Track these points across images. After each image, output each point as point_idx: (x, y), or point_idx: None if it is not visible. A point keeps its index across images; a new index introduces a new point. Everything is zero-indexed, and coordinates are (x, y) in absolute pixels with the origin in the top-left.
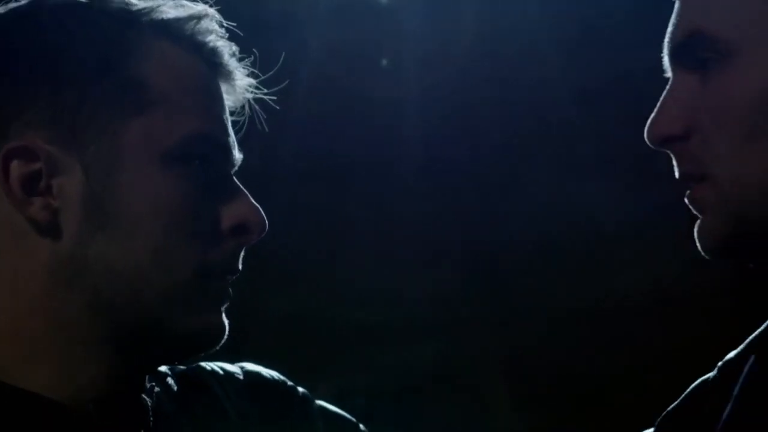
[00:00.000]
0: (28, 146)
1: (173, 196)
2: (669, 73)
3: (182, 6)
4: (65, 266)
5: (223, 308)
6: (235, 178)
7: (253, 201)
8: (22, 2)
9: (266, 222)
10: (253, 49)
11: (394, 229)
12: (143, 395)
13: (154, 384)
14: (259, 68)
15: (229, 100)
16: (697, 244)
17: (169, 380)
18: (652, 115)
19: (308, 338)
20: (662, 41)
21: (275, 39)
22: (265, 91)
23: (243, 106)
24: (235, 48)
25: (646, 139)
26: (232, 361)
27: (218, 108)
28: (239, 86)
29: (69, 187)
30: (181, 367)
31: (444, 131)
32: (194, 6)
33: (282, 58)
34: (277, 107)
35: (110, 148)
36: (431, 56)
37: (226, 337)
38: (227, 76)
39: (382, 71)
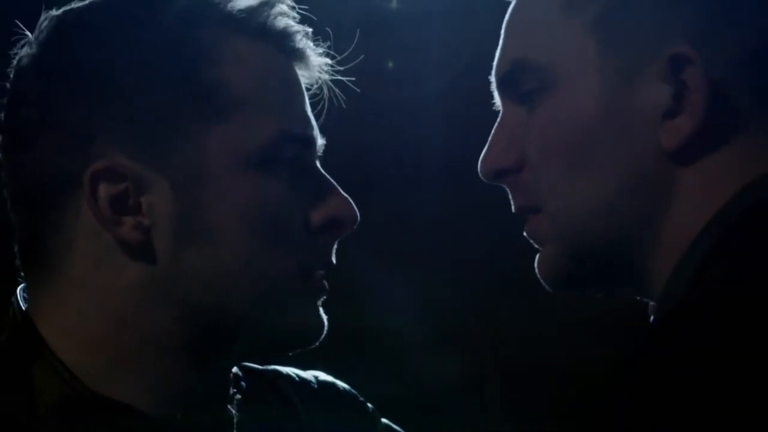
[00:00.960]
0: (113, 167)
1: (263, 201)
2: (498, 105)
3: None
4: (156, 282)
5: (319, 303)
6: (320, 167)
7: (343, 193)
8: (79, 5)
9: (358, 213)
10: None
11: (412, 233)
12: (228, 405)
13: (235, 391)
14: None
15: (305, 78)
16: (539, 277)
17: (243, 383)
18: (484, 148)
19: (318, 344)
20: None
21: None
22: (341, 69)
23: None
24: (308, 29)
25: (479, 173)
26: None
27: (300, 99)
28: (313, 66)
29: (158, 203)
30: (258, 366)
31: (464, 134)
32: None
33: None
34: (357, 89)
35: (195, 160)
36: (449, 59)
37: (325, 331)
38: (302, 58)
39: (400, 74)
